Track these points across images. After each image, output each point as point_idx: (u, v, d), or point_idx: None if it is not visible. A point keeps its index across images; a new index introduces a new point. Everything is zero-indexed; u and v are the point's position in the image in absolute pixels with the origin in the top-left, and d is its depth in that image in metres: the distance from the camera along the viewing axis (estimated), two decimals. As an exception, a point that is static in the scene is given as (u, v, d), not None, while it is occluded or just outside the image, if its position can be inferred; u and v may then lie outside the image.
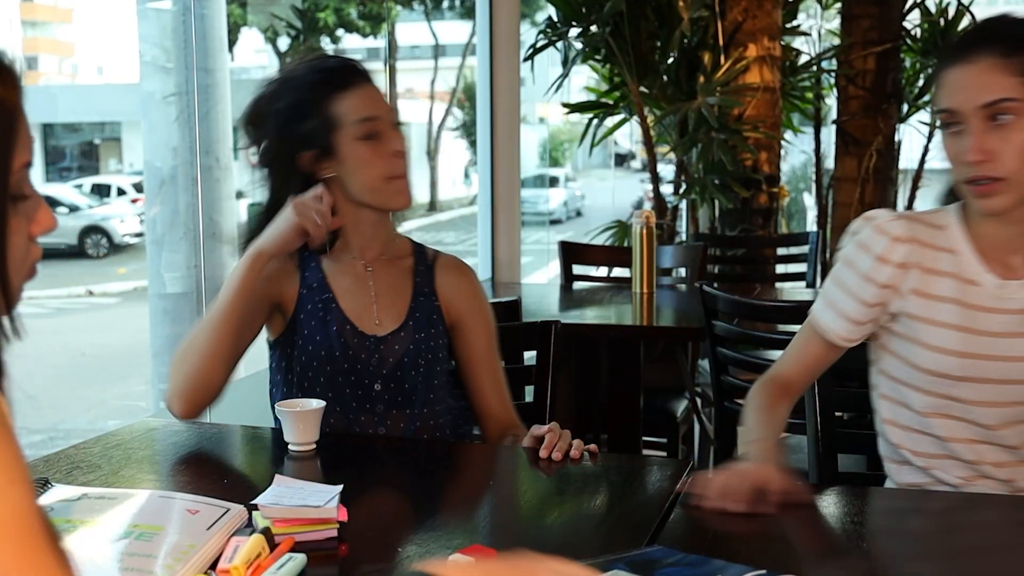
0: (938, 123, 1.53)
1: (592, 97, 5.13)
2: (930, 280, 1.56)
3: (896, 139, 4.94)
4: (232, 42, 14.58)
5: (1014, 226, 1.53)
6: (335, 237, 1.89)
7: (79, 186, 17.01)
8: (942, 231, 1.57)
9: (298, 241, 1.79)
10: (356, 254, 1.91)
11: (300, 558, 1.20)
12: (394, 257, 1.94)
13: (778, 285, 4.28)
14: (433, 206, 21.01)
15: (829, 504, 1.43)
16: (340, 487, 1.40)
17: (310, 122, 1.83)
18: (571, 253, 3.84)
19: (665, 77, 4.62)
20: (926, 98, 4.89)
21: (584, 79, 7.44)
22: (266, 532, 1.24)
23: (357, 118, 1.82)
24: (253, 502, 1.32)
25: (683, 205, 4.89)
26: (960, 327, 1.54)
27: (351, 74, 1.85)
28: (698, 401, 3.38)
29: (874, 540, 1.34)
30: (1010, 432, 1.55)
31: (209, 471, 1.60)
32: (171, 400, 1.77)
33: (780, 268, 4.46)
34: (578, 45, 4.64)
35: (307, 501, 1.32)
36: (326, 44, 16.10)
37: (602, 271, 4.25)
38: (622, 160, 22.52)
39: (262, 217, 1.89)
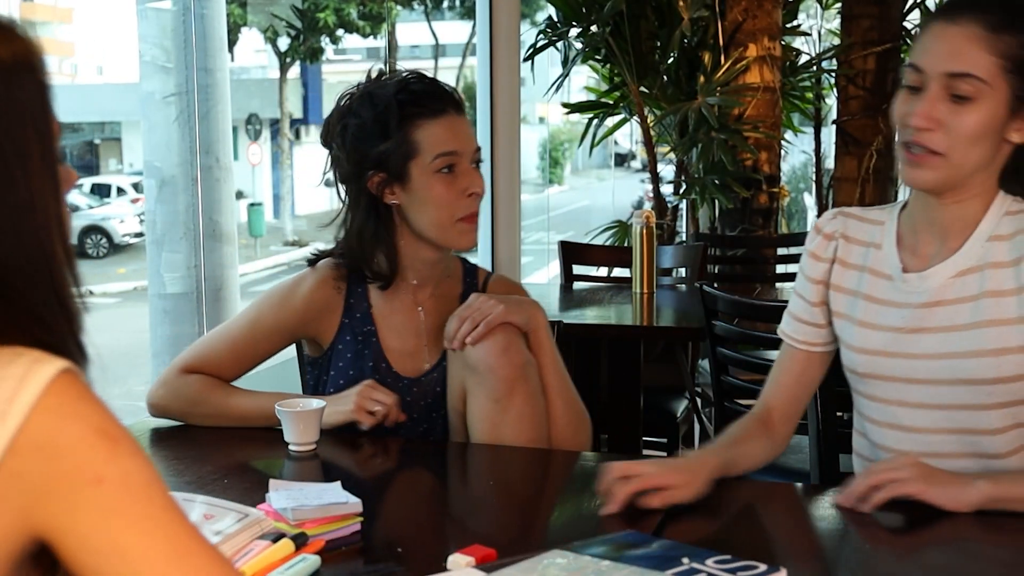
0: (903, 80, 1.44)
1: (592, 97, 5.13)
2: (845, 273, 1.56)
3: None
4: (232, 42, 14.56)
5: (940, 210, 1.45)
6: (394, 274, 1.81)
7: (79, 186, 16.98)
8: (877, 226, 1.54)
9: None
10: (409, 291, 1.84)
11: (313, 559, 1.20)
12: (446, 289, 1.87)
13: (778, 285, 4.28)
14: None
15: (831, 504, 1.43)
16: (339, 482, 1.41)
17: (386, 143, 1.73)
18: (571, 253, 3.84)
19: (665, 77, 4.62)
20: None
21: (584, 79, 7.44)
22: (298, 538, 1.24)
23: (438, 151, 1.73)
24: (262, 507, 1.31)
25: (683, 205, 4.89)
26: (861, 322, 1.52)
27: (441, 100, 1.75)
28: (698, 401, 3.38)
29: (876, 541, 1.33)
30: (939, 439, 1.47)
31: (209, 471, 1.60)
32: (153, 405, 1.81)
33: (780, 268, 4.46)
34: (578, 45, 4.64)
35: (324, 500, 1.32)
36: (326, 44, 16.09)
37: (602, 271, 4.24)
38: (622, 160, 22.51)
39: (338, 232, 1.83)
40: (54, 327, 0.80)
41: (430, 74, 1.84)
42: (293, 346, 1.92)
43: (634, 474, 1.37)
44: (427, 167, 1.73)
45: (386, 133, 1.73)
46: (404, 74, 1.79)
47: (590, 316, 3.23)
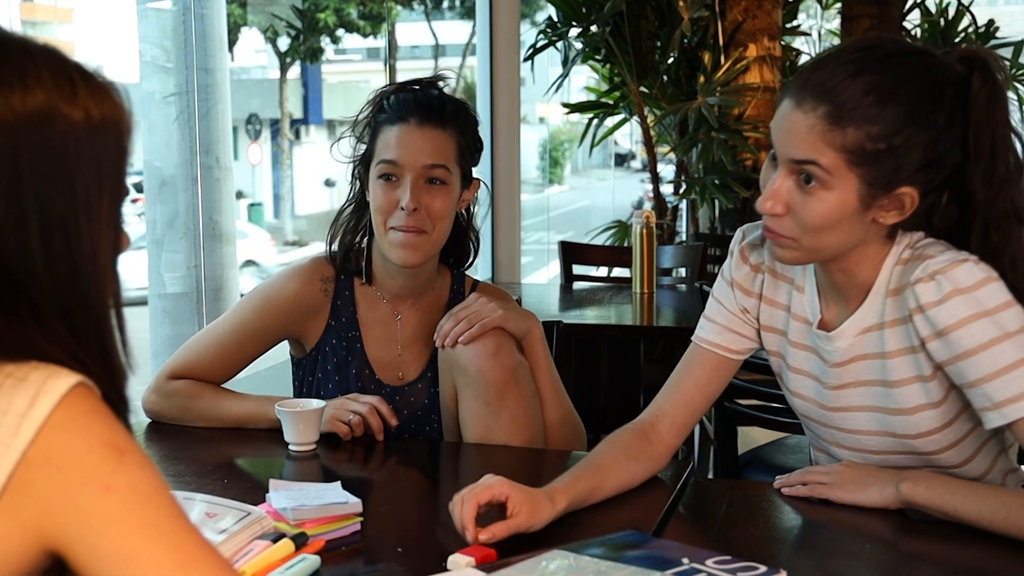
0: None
1: (592, 97, 5.14)
2: (774, 313, 1.51)
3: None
4: (232, 42, 14.55)
5: (830, 277, 1.41)
6: (369, 267, 1.82)
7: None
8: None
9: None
10: (389, 300, 1.83)
11: (313, 559, 1.20)
12: (429, 300, 1.85)
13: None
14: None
15: (831, 505, 1.43)
16: (339, 482, 1.41)
17: (364, 143, 1.78)
18: (571, 253, 3.84)
19: (665, 77, 4.62)
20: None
21: (584, 79, 7.45)
22: (298, 537, 1.24)
23: (380, 157, 1.72)
24: (262, 507, 1.31)
25: (683, 205, 4.89)
26: (791, 367, 1.50)
27: (406, 109, 1.72)
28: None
29: (877, 541, 1.33)
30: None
31: (209, 471, 1.60)
32: (145, 406, 1.81)
33: (780, 268, 4.46)
34: (578, 45, 4.64)
35: (324, 500, 1.33)
36: (326, 44, 16.08)
37: (602, 271, 4.25)
38: (622, 160, 22.51)
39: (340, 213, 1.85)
40: (93, 374, 0.82)
41: (429, 74, 1.82)
42: (287, 347, 1.92)
43: (482, 487, 1.28)
44: (374, 171, 1.74)
45: (365, 133, 1.77)
46: (422, 79, 1.79)
47: (590, 316, 3.23)
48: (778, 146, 1.32)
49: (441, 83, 1.78)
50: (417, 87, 1.76)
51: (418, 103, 1.72)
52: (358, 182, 1.81)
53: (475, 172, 1.85)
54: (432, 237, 1.73)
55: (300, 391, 1.87)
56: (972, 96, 1.30)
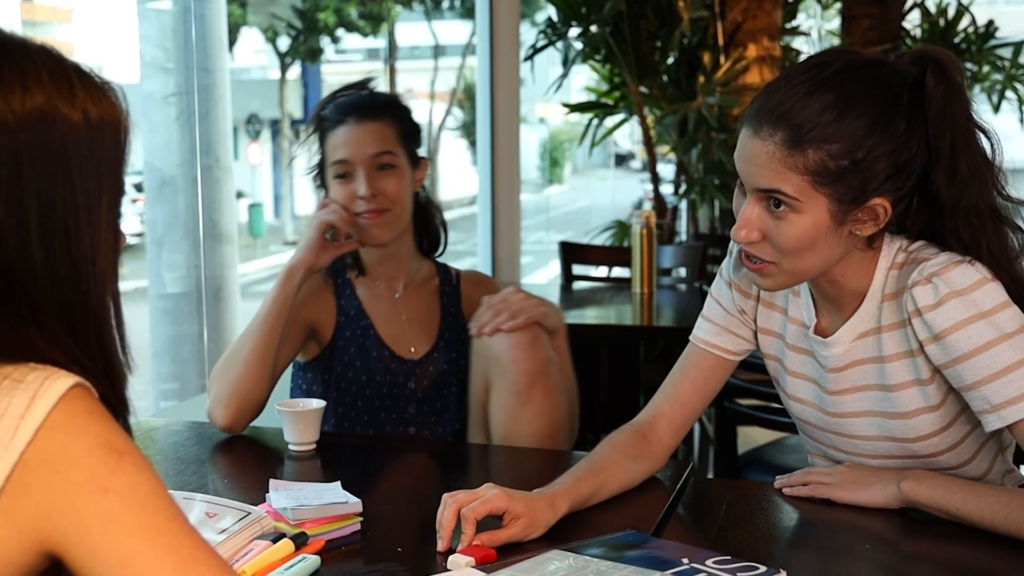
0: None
1: (592, 97, 5.14)
2: (771, 316, 1.51)
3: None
4: (232, 42, 14.54)
5: (821, 288, 1.41)
6: (358, 261, 1.94)
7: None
8: None
9: (326, 254, 1.81)
10: (384, 282, 1.96)
11: (313, 559, 1.21)
12: (421, 281, 1.99)
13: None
14: (433, 206, 20.87)
15: (831, 505, 1.43)
16: (339, 483, 1.41)
17: (319, 153, 1.91)
18: (571, 253, 3.84)
19: (665, 77, 4.62)
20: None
21: (584, 79, 7.45)
22: (298, 537, 1.24)
23: (332, 159, 1.87)
24: (262, 507, 1.31)
25: (683, 205, 4.89)
26: (789, 370, 1.49)
27: (344, 112, 1.87)
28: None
29: (877, 541, 1.34)
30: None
31: (209, 471, 1.60)
32: (213, 409, 1.75)
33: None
34: (578, 45, 4.64)
35: (324, 500, 1.33)
36: (326, 44, 16.07)
37: (602, 271, 4.25)
38: (622, 160, 22.51)
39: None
40: (92, 375, 0.82)
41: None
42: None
43: (475, 498, 1.27)
44: (330, 172, 1.88)
45: (316, 140, 1.92)
46: (351, 84, 1.93)
47: (590, 316, 3.23)
48: (743, 175, 1.32)
49: (371, 84, 1.94)
50: (349, 91, 1.91)
51: (352, 104, 1.88)
52: (324, 189, 1.92)
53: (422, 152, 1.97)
54: (395, 211, 1.86)
55: (310, 391, 1.92)
56: (928, 95, 1.29)
